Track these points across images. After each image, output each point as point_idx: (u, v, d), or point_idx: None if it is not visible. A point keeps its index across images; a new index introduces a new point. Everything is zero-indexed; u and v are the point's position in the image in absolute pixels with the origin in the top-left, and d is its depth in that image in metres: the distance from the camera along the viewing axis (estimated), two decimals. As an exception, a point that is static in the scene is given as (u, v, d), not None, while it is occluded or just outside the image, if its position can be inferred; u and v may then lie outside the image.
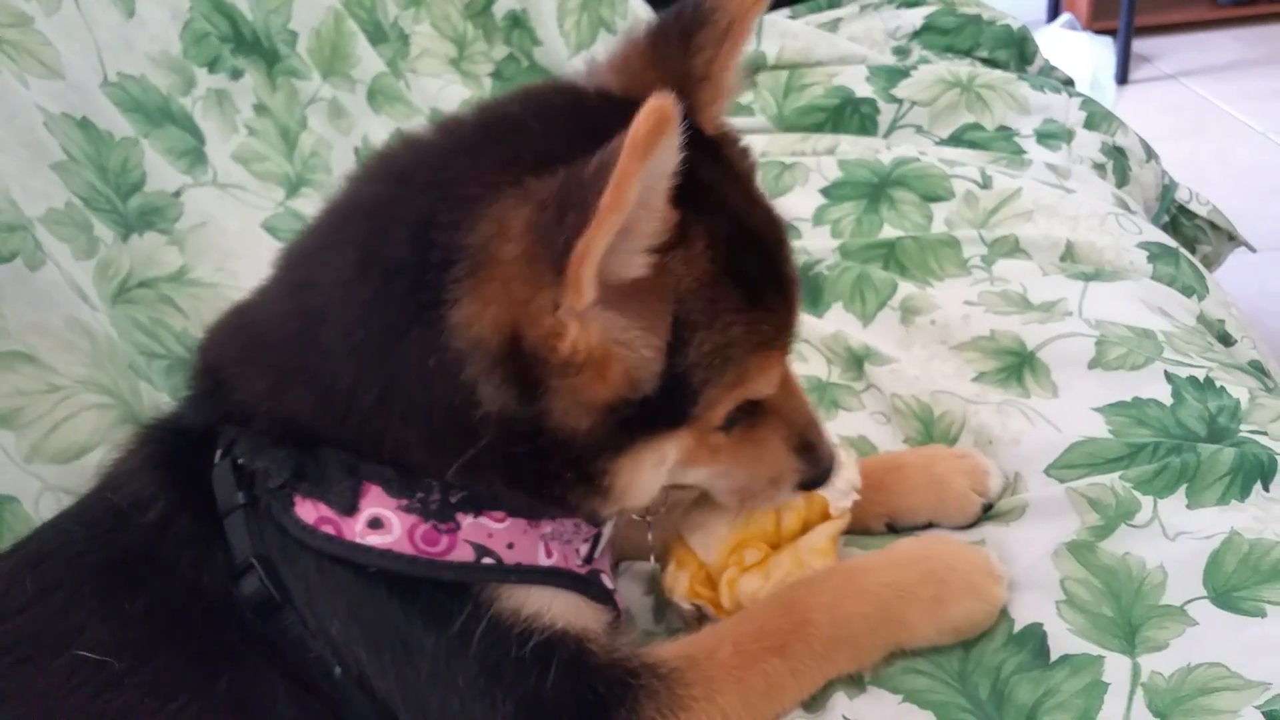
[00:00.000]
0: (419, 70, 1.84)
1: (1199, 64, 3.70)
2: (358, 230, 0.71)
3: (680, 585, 0.89)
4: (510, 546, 0.75)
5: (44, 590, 0.73)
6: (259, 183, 1.47)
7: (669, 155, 0.57)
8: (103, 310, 1.14)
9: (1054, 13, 4.21)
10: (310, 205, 1.50)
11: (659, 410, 0.69)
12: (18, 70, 1.19)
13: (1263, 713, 0.69)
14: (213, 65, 1.50)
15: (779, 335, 0.74)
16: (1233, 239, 1.62)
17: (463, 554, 0.74)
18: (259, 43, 1.58)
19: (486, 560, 0.74)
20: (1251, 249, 1.65)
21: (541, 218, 0.61)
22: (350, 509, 0.72)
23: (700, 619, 0.89)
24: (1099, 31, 3.75)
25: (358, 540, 0.72)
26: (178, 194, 1.33)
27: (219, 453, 0.78)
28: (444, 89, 1.83)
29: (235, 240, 1.36)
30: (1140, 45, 3.77)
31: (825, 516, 0.89)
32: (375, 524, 0.72)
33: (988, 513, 0.93)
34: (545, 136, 0.69)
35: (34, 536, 0.81)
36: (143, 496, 0.76)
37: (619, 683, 0.74)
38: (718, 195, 0.70)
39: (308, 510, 0.73)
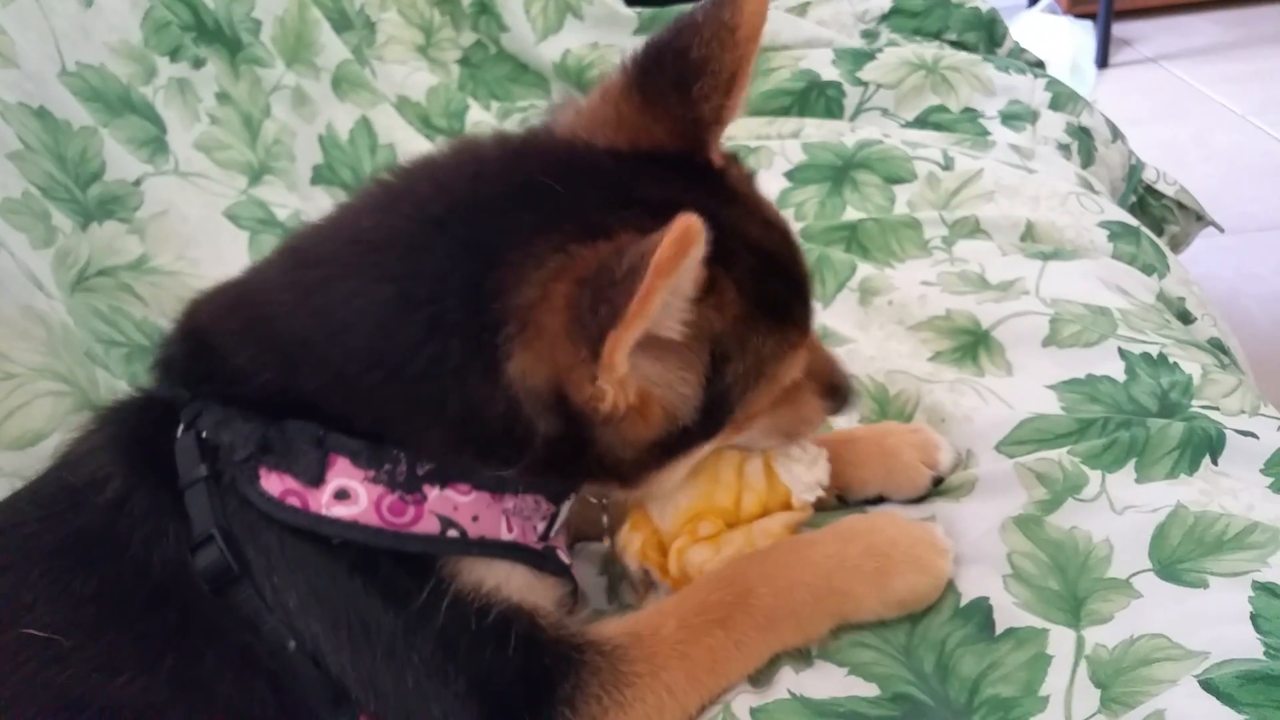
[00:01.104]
0: (385, 57, 1.84)
1: (1179, 47, 3.70)
2: (391, 268, 0.73)
3: (633, 546, 0.89)
4: (475, 519, 0.76)
5: None
6: (221, 171, 1.47)
7: (695, 261, 0.61)
8: (59, 299, 1.14)
9: (1035, -3, 4.21)
10: (272, 193, 1.50)
11: (698, 431, 0.75)
12: (-28, 59, 1.18)
13: (1199, 681, 0.69)
14: (174, 54, 1.50)
15: (803, 334, 0.79)
16: (1200, 219, 1.62)
17: (428, 526, 0.74)
18: (221, 31, 1.57)
19: (451, 533, 0.75)
20: (1219, 229, 1.66)
21: (579, 299, 0.65)
22: (317, 480, 0.73)
23: (647, 584, 0.90)
24: (1079, 15, 3.75)
25: (323, 512, 0.73)
26: (138, 183, 1.32)
27: (180, 428, 0.78)
28: (410, 75, 1.82)
29: (197, 228, 1.36)
30: (1120, 29, 3.77)
31: (786, 506, 0.89)
32: (342, 495, 0.73)
33: (938, 487, 0.94)
34: (576, 201, 0.72)
35: None
36: (100, 475, 0.77)
37: (564, 658, 0.75)
38: (738, 235, 0.74)
39: (273, 482, 0.74)
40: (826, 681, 0.79)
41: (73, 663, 0.70)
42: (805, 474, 0.89)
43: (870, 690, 0.77)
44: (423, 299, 0.71)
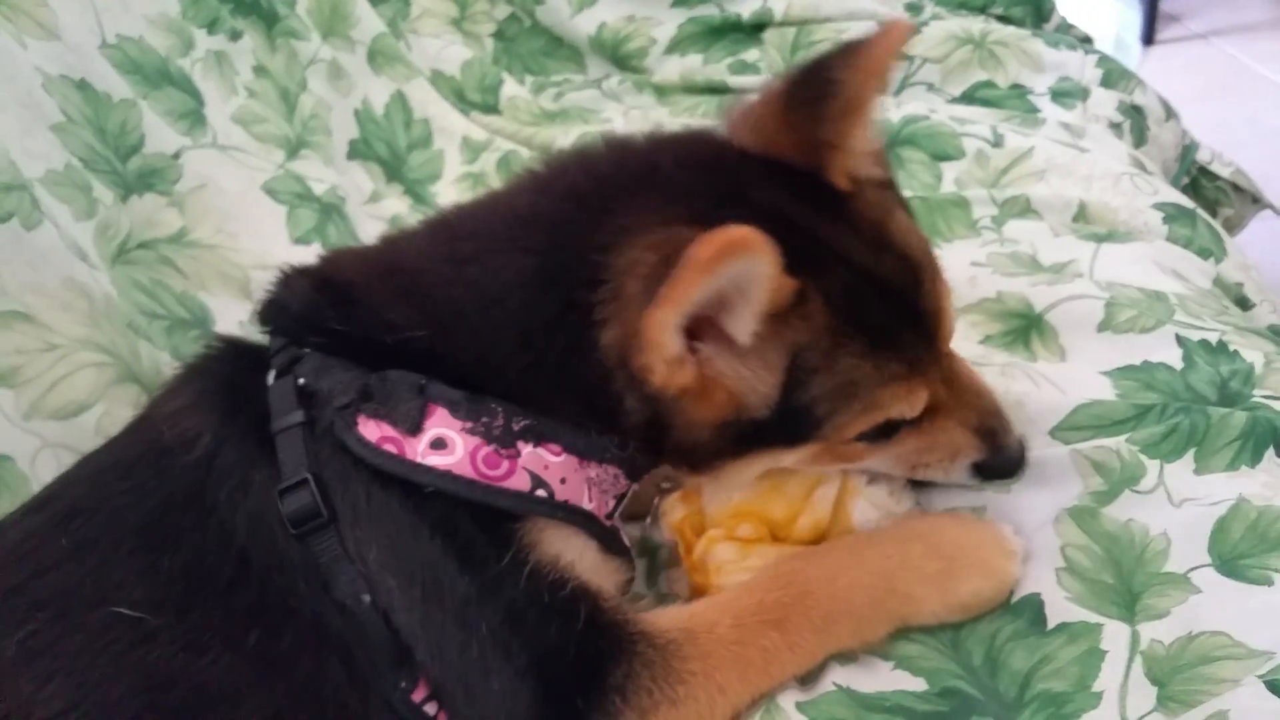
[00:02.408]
0: (420, 31, 1.82)
1: (1229, 23, 3.59)
2: (538, 242, 0.79)
3: (674, 514, 0.89)
4: (563, 482, 0.77)
5: (81, 547, 0.75)
6: (258, 144, 1.46)
7: (753, 267, 0.64)
8: (102, 270, 1.14)
9: (1079, -29, 4.10)
10: (309, 167, 1.49)
11: (776, 431, 0.76)
12: (15, 31, 1.18)
13: (1264, 682, 0.67)
14: (212, 26, 1.49)
15: (915, 367, 0.78)
16: (1256, 201, 1.57)
17: (520, 482, 0.76)
18: (258, 4, 1.56)
19: (540, 492, 0.76)
20: (1277, 211, 1.61)
21: (654, 272, 0.68)
22: (415, 428, 0.75)
23: (670, 557, 0.90)
24: (1124, -10, 3.65)
25: (419, 460, 0.74)
26: (177, 156, 1.32)
27: (273, 374, 0.80)
28: (445, 49, 1.80)
29: (235, 202, 1.36)
30: (1168, 3, 3.66)
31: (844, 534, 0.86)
32: (438, 444, 0.75)
33: None
34: (689, 187, 0.77)
35: (64, 490, 0.82)
36: (190, 434, 0.78)
37: (618, 645, 0.75)
38: (839, 252, 0.75)
39: (371, 429, 0.75)
40: (873, 676, 0.78)
41: (160, 642, 0.72)
42: (881, 505, 0.86)
43: (918, 685, 0.76)
44: (558, 270, 0.76)
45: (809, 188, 0.77)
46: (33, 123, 1.15)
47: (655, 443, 0.78)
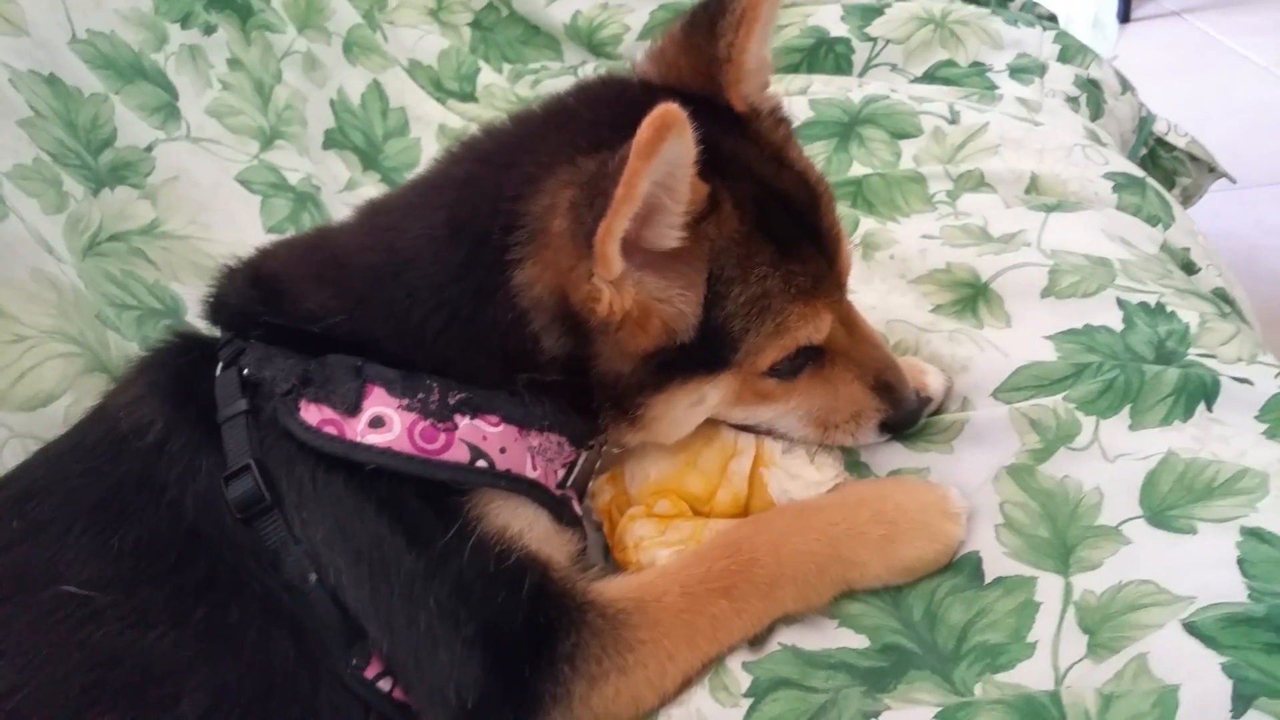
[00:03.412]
0: (396, 21, 1.84)
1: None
2: (446, 198, 0.82)
3: (601, 498, 0.91)
4: (502, 451, 0.79)
5: (32, 529, 0.77)
6: (233, 136, 1.48)
7: (681, 149, 0.65)
8: (70, 263, 1.16)
9: (1058, -49, 4.12)
10: (284, 158, 1.51)
11: (697, 356, 0.78)
12: (-19, 28, 1.20)
13: (1183, 624, 0.70)
14: (185, 21, 1.51)
15: (818, 285, 0.80)
16: (1213, 170, 1.60)
17: (458, 454, 0.77)
18: (232, -3, 1.58)
19: (480, 463, 0.78)
20: (1232, 180, 1.63)
21: (578, 199, 0.70)
22: (354, 409, 0.77)
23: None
24: (1103, -31, 3.67)
25: (359, 439, 0.76)
26: (149, 149, 1.34)
27: (220, 366, 0.82)
28: (421, 39, 1.82)
29: (208, 193, 1.38)
30: (1144, -18, 3.69)
31: (765, 508, 0.88)
32: (376, 423, 0.76)
33: (933, 416, 0.94)
34: (594, 123, 0.79)
35: (21, 475, 0.84)
36: (143, 421, 0.80)
37: (566, 614, 0.77)
38: (742, 164, 0.78)
39: (312, 413, 0.77)
40: (818, 634, 0.80)
41: (107, 619, 0.73)
42: (801, 494, 0.87)
43: (861, 641, 0.79)
44: (465, 219, 0.79)
45: (708, 110, 0.77)
46: (-1, 118, 1.17)
47: (577, 387, 0.79)
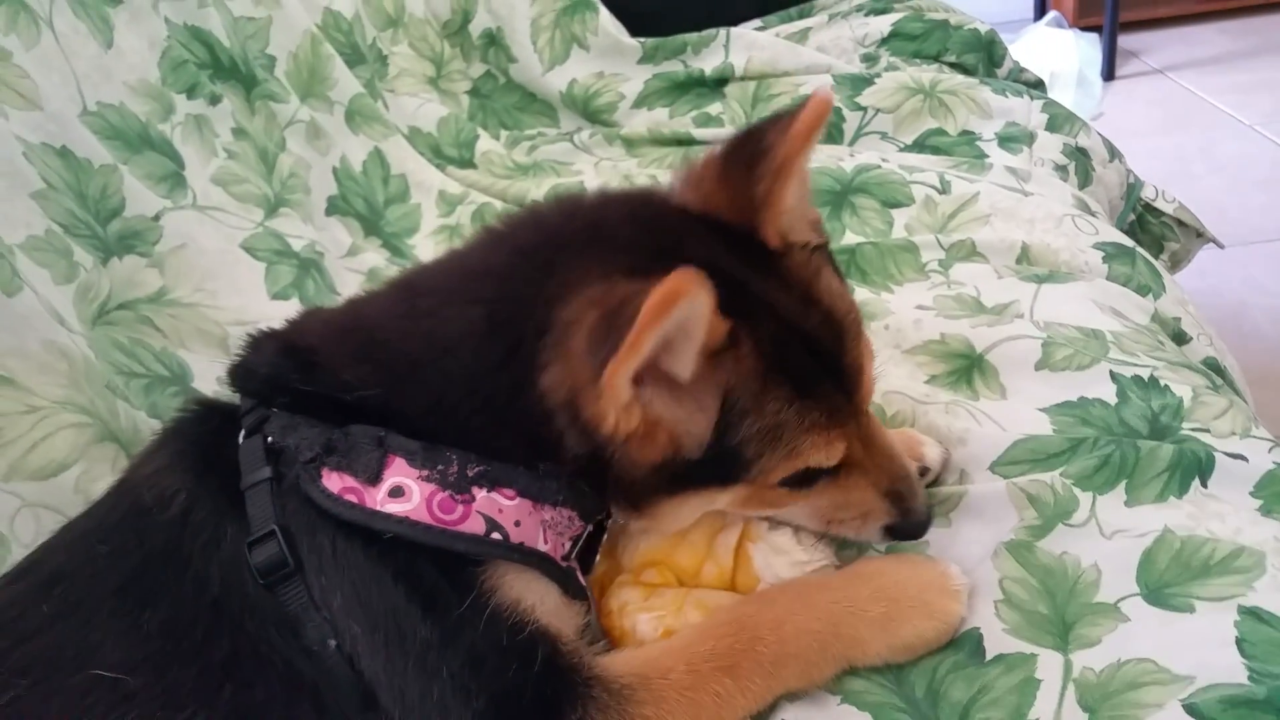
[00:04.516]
0: (397, 90, 1.88)
1: (1185, 58, 3.70)
2: (486, 292, 0.83)
3: (597, 569, 0.92)
4: (517, 524, 0.80)
5: (62, 612, 0.77)
6: (238, 204, 1.51)
7: (696, 307, 0.68)
8: (80, 333, 1.18)
9: (1041, 11, 4.22)
10: (288, 224, 1.54)
11: (709, 471, 0.79)
12: (-3, 103, 1.22)
13: (1183, 705, 0.71)
14: (191, 91, 1.54)
15: (834, 418, 0.81)
16: (1200, 235, 1.63)
17: (475, 525, 0.79)
18: (237, 68, 1.61)
19: (495, 535, 0.79)
20: (1220, 245, 1.67)
21: (599, 327, 0.71)
22: (374, 478, 0.78)
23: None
24: (1085, 28, 3.76)
25: (378, 507, 0.77)
26: (157, 217, 1.36)
27: (243, 434, 0.84)
28: (422, 107, 1.86)
29: (214, 260, 1.40)
30: (1126, 40, 3.78)
31: (745, 593, 0.89)
32: (396, 492, 0.78)
33: (930, 486, 0.95)
34: (631, 246, 0.81)
35: (46, 557, 0.85)
36: (167, 494, 0.81)
37: (573, 689, 0.77)
38: (768, 304, 0.79)
39: (334, 481, 0.78)
40: (822, 711, 0.81)
41: (139, 701, 0.74)
42: (785, 570, 0.88)
43: (864, 719, 0.79)
44: (503, 318, 0.80)
45: (742, 244, 0.81)
46: (13, 190, 1.18)
47: (596, 479, 0.81)
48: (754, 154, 0.82)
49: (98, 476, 1.06)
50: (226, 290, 1.39)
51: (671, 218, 0.85)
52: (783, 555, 0.88)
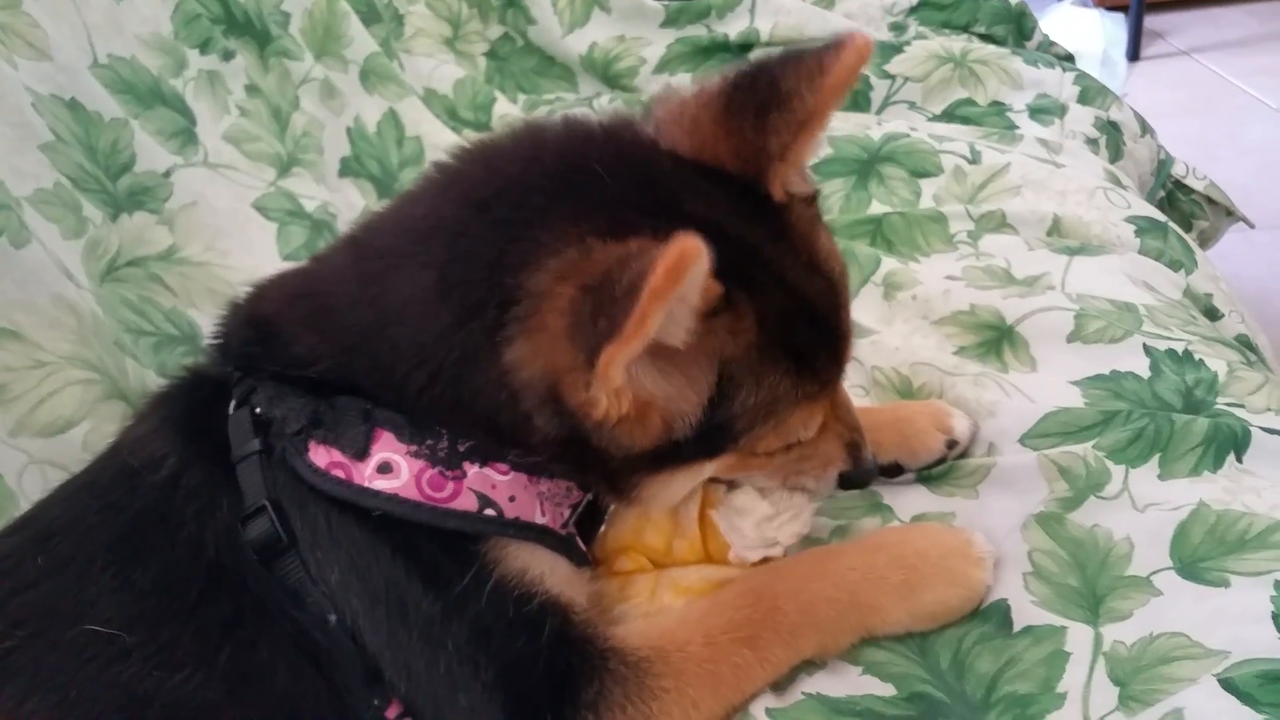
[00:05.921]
0: (413, 50, 1.85)
1: (1212, 39, 3.64)
2: (437, 253, 0.75)
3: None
4: (512, 499, 0.77)
5: (56, 566, 0.76)
6: (250, 162, 1.48)
7: (697, 279, 0.61)
8: (89, 289, 1.16)
9: (1066, -11, 4.16)
10: (300, 185, 1.51)
11: (696, 446, 0.74)
12: (5, 52, 1.20)
13: (1219, 680, 0.69)
14: (204, 47, 1.51)
15: (824, 388, 0.78)
16: (1230, 214, 1.60)
17: (466, 502, 0.75)
18: (251, 24, 1.58)
19: (488, 511, 0.76)
20: (1250, 224, 1.63)
21: (582, 305, 0.64)
22: (362, 453, 0.75)
23: None
24: (1111, 8, 3.70)
25: (366, 484, 0.74)
26: (168, 174, 1.34)
27: (233, 404, 0.80)
28: (438, 68, 1.83)
29: (225, 219, 1.38)
30: (1152, 21, 3.71)
31: (721, 562, 0.86)
32: (384, 469, 0.75)
33: (959, 459, 0.94)
34: (617, 199, 0.72)
35: (41, 512, 0.83)
36: (156, 455, 0.79)
37: (589, 661, 0.75)
38: (774, 270, 0.73)
39: (321, 455, 0.75)
40: (843, 682, 0.79)
41: (134, 659, 0.72)
42: (752, 530, 0.85)
43: (887, 690, 0.78)
44: (456, 281, 0.73)
45: (745, 199, 0.74)
46: (21, 142, 1.16)
47: (573, 462, 0.76)
48: (767, 100, 0.73)
49: (106, 435, 1.03)
50: (238, 250, 1.37)
51: (662, 164, 0.75)
52: (746, 515, 0.85)
